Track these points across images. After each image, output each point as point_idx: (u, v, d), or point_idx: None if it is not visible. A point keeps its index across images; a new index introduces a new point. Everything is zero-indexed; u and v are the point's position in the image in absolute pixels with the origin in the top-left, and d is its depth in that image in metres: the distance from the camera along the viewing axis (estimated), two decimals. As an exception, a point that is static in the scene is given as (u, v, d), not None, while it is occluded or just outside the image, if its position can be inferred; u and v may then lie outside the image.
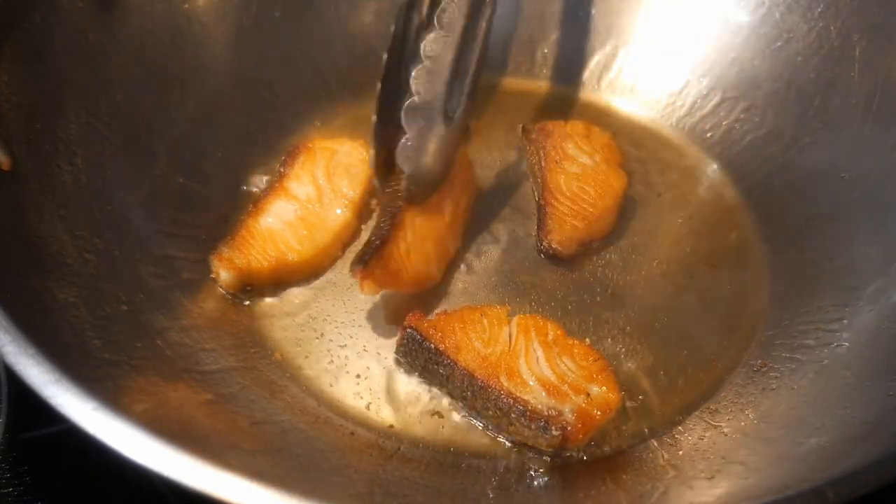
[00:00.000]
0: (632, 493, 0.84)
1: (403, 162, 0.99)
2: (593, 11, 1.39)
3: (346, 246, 1.13)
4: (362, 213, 1.15)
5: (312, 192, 1.13)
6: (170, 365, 0.89)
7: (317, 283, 1.09)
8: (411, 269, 1.03)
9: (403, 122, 0.97)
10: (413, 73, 0.96)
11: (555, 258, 1.11)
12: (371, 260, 1.00)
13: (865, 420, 0.82)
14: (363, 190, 1.15)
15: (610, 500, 0.85)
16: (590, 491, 0.86)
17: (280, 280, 1.07)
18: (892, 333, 0.93)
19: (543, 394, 0.89)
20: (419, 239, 1.06)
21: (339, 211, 1.12)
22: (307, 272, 1.09)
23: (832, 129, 1.16)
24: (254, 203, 1.13)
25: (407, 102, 0.96)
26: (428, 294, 1.07)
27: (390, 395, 0.97)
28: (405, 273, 1.03)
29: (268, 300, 1.06)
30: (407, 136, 0.98)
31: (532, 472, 0.88)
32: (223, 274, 1.04)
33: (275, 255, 1.06)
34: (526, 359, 0.92)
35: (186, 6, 1.20)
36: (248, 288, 1.06)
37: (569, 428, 0.86)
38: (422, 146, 1.00)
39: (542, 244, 1.11)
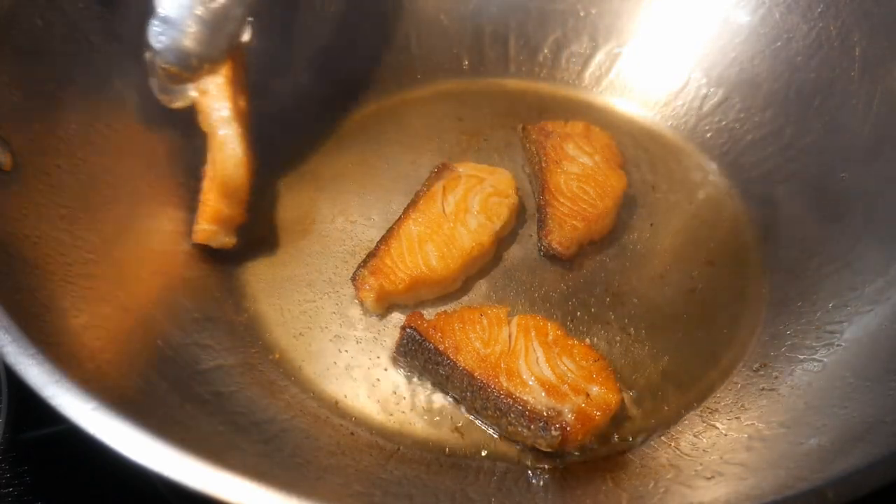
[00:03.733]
0: (632, 493, 0.84)
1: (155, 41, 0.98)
2: (593, 11, 1.39)
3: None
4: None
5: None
6: (170, 365, 0.89)
7: (317, 284, 1.09)
8: (407, 272, 1.03)
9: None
10: None
11: (555, 258, 1.11)
12: (359, 270, 1.03)
13: (865, 420, 0.81)
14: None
15: (610, 500, 0.85)
16: (590, 491, 0.86)
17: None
18: (892, 333, 0.93)
19: (543, 394, 0.89)
20: (416, 242, 1.06)
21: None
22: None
23: (832, 129, 1.16)
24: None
25: None
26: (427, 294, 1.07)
27: (390, 395, 0.97)
28: (399, 275, 1.02)
29: (268, 301, 1.06)
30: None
31: (532, 472, 0.88)
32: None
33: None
34: (525, 359, 0.92)
35: (186, 6, 1.20)
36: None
37: (568, 428, 0.86)
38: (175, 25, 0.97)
39: (542, 244, 1.11)
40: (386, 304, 1.05)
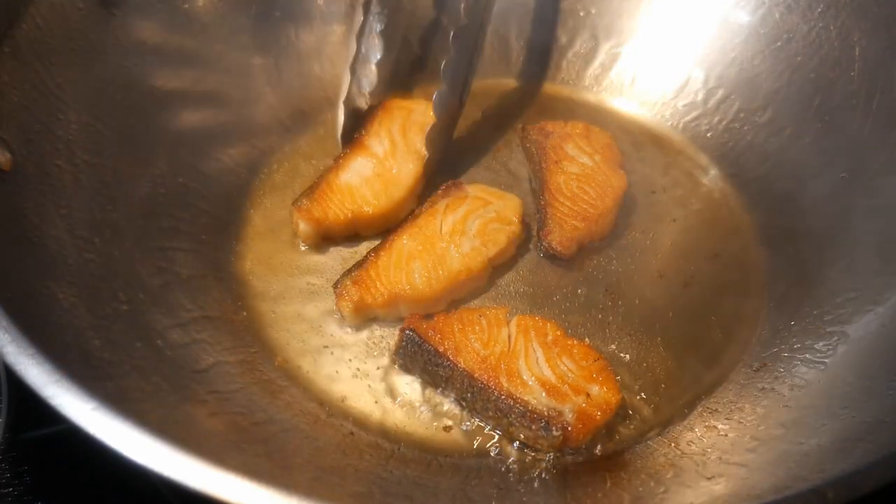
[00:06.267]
0: (632, 493, 0.84)
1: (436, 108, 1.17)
2: (593, 11, 1.39)
3: (418, 199, 1.18)
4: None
5: (388, 148, 1.19)
6: (170, 364, 0.89)
7: (316, 284, 1.08)
8: (388, 287, 1.01)
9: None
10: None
11: (555, 258, 1.11)
12: (342, 278, 1.03)
13: (865, 420, 0.82)
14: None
15: (610, 499, 0.85)
16: (590, 491, 0.86)
17: (356, 232, 1.13)
18: (892, 333, 0.93)
19: (543, 394, 0.89)
20: (404, 258, 1.04)
21: (412, 166, 1.17)
22: (381, 225, 1.14)
23: (832, 129, 1.16)
24: (335, 159, 1.18)
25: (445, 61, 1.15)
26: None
27: (389, 395, 0.97)
28: (380, 289, 1.01)
29: (267, 302, 1.06)
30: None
31: (532, 472, 0.88)
32: (302, 225, 1.10)
33: (351, 208, 1.11)
34: (526, 359, 0.92)
35: (186, 6, 1.20)
36: (326, 239, 1.13)
37: (569, 428, 0.86)
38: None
39: (542, 244, 1.11)
40: (364, 316, 1.03)
